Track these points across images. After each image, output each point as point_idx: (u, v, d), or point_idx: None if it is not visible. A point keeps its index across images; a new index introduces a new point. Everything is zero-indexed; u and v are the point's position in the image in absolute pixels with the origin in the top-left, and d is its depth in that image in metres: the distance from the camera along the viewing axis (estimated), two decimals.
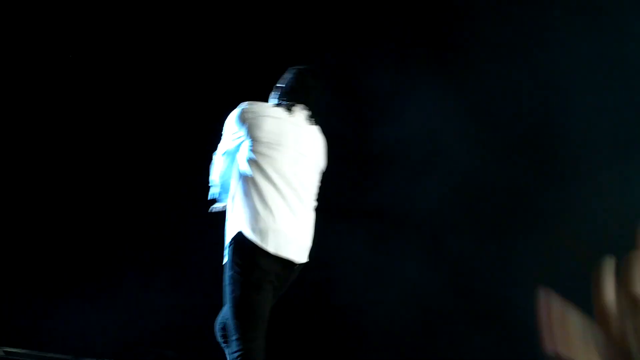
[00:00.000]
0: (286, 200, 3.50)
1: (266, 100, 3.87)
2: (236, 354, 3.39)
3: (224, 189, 3.76)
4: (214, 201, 3.98)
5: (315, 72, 3.84)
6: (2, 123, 7.32)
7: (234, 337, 3.43)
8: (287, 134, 3.59)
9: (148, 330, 6.95)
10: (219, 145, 3.76)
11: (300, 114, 3.69)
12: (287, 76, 3.78)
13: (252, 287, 3.43)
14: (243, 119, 3.57)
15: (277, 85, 3.80)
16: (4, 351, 7.08)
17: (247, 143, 3.55)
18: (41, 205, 7.50)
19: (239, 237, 3.45)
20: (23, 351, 7.22)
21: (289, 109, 3.65)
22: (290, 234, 3.50)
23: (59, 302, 7.24)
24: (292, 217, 3.52)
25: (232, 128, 3.64)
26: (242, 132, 3.57)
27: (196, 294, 6.66)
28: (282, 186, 3.49)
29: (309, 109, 3.72)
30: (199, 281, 6.70)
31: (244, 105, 3.63)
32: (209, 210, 3.98)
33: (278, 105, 3.68)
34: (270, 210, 3.44)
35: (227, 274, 3.47)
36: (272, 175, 3.48)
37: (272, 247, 3.42)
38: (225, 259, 3.53)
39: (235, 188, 3.56)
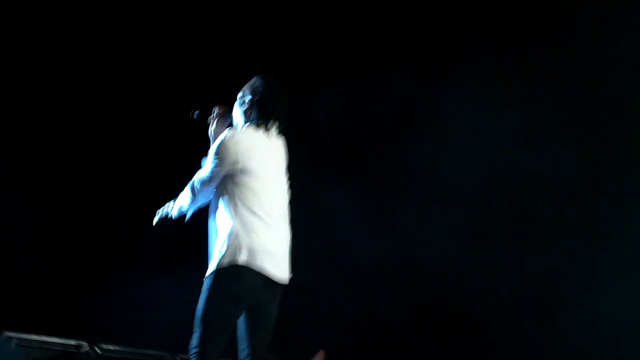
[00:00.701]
0: (269, 224, 3.68)
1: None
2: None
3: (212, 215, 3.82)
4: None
5: (281, 82, 3.89)
6: (2, 123, 7.35)
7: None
8: (270, 160, 3.75)
9: None
10: (202, 172, 3.77)
11: (272, 129, 3.80)
12: (257, 88, 3.80)
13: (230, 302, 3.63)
14: (235, 150, 3.64)
15: (246, 97, 3.83)
16: (101, 348, 7.31)
17: (235, 172, 3.65)
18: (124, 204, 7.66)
19: (226, 267, 3.60)
20: (118, 348, 7.48)
21: (267, 128, 3.74)
22: (276, 254, 3.69)
23: (153, 297, 7.44)
24: (277, 239, 3.72)
25: (220, 155, 3.66)
26: (229, 161, 3.64)
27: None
28: (266, 213, 3.68)
29: (279, 122, 3.81)
30: None
31: (232, 135, 3.67)
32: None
33: (258, 125, 3.75)
34: (256, 233, 3.62)
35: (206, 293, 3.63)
36: (256, 204, 3.66)
37: (256, 264, 3.58)
38: (206, 284, 3.65)
39: (222, 214, 3.69)
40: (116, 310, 7.58)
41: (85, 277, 7.69)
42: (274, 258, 3.65)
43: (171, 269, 7.37)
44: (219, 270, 3.58)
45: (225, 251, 3.59)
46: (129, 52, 7.77)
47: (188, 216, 3.85)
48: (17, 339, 6.87)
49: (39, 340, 7.18)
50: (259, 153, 3.67)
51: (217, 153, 3.63)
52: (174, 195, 4.06)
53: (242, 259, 3.56)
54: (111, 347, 7.40)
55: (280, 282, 3.71)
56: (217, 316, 3.53)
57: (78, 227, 7.64)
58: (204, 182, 3.72)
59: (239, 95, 3.86)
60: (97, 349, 7.28)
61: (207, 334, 3.50)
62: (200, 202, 3.81)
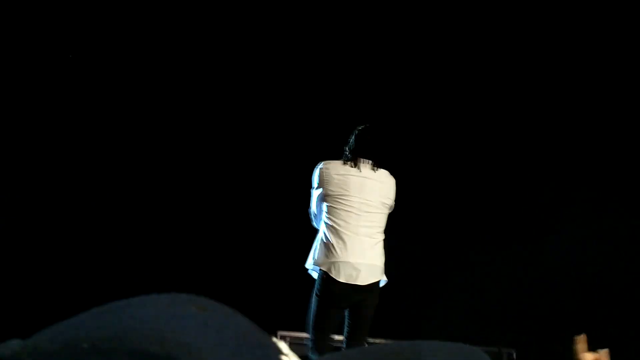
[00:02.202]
0: (350, 235, 4.53)
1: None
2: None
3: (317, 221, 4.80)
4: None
5: (371, 129, 4.78)
6: (3, 123, 7.60)
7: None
8: (351, 186, 4.59)
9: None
10: (311, 192, 4.78)
11: (365, 165, 4.64)
12: (351, 136, 4.74)
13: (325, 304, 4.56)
14: (319, 177, 4.65)
15: (347, 144, 4.77)
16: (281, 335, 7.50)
17: (323, 194, 4.61)
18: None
19: (315, 268, 4.60)
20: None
21: (354, 163, 4.64)
22: (356, 264, 4.52)
23: None
24: (358, 249, 4.53)
25: (313, 182, 4.69)
26: (319, 186, 4.63)
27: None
28: (346, 229, 4.53)
29: (371, 159, 4.65)
30: None
31: (320, 165, 4.69)
32: None
33: (345, 162, 4.67)
34: (336, 247, 4.51)
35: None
36: (338, 221, 4.56)
37: (340, 276, 4.48)
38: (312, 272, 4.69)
39: (319, 225, 4.69)
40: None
41: None
42: (352, 267, 4.52)
43: None
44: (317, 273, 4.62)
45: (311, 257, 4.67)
46: (128, 53, 8.06)
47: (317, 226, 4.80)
48: (290, 337, 7.25)
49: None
50: (338, 179, 4.60)
51: (312, 178, 4.74)
52: None
53: (322, 268, 4.52)
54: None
55: (364, 286, 4.53)
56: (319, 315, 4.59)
57: None
58: (313, 196, 4.77)
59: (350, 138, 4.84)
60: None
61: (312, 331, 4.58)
62: (317, 217, 4.75)
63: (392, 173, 4.83)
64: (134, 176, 8.00)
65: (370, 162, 4.68)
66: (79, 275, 7.89)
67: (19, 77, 7.58)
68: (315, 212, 4.72)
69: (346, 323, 4.61)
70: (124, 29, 7.93)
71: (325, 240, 4.56)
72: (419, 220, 8.29)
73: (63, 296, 7.45)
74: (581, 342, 3.45)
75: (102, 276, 7.93)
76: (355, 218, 4.59)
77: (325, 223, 4.59)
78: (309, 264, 4.64)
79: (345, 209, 4.59)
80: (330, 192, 4.61)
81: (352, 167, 4.66)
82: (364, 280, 4.54)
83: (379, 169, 4.71)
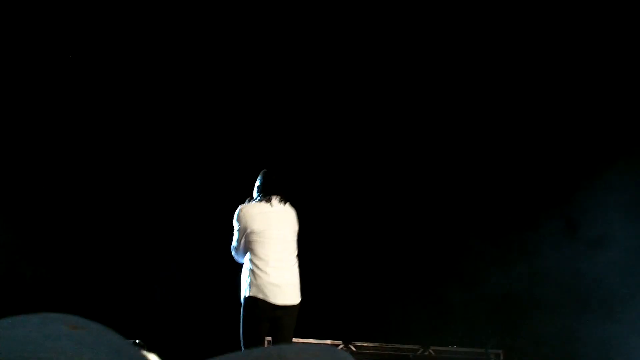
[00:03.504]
0: (269, 263, 5.28)
1: None
2: None
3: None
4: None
5: (275, 171, 5.57)
6: (4, 123, 7.56)
7: None
8: (270, 221, 5.37)
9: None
10: (234, 234, 5.51)
11: (275, 200, 5.45)
12: (260, 178, 5.52)
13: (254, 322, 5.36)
14: (240, 219, 5.42)
15: (256, 185, 5.54)
16: (355, 345, 7.80)
17: (246, 233, 5.36)
18: None
19: (244, 295, 5.35)
20: (371, 344, 7.98)
21: (268, 200, 5.44)
22: (282, 284, 5.29)
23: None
24: (282, 273, 5.30)
25: (236, 224, 5.46)
26: (242, 227, 5.39)
27: None
28: (270, 256, 5.31)
29: (278, 195, 5.46)
30: None
31: (240, 208, 5.45)
32: None
33: (260, 200, 5.48)
34: (266, 273, 5.25)
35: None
36: (261, 252, 5.31)
37: (268, 297, 5.23)
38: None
39: (245, 258, 5.42)
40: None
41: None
42: (278, 290, 5.27)
43: None
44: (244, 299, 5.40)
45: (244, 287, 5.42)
46: (128, 53, 8.01)
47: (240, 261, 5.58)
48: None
49: (297, 342, 7.02)
50: (260, 218, 5.37)
51: (234, 219, 5.50)
52: None
53: (253, 292, 5.25)
54: (366, 344, 7.96)
55: (282, 305, 5.30)
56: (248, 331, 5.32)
57: None
58: (234, 238, 5.54)
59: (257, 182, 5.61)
60: (352, 347, 7.87)
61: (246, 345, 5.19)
62: (240, 255, 5.54)
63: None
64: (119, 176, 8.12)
65: (278, 197, 5.49)
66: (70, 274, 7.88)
67: (19, 77, 7.54)
68: (240, 249, 5.46)
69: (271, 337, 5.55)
70: (124, 30, 7.90)
71: (254, 270, 5.28)
72: (411, 222, 8.38)
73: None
74: None
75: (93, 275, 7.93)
76: (278, 248, 5.36)
77: (253, 255, 5.33)
78: (245, 295, 5.36)
79: (267, 241, 5.33)
80: (254, 229, 5.34)
81: (266, 203, 5.48)
82: (290, 300, 5.36)
83: (286, 203, 5.54)
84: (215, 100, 8.50)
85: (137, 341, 6.18)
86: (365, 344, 7.62)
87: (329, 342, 7.56)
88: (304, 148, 8.62)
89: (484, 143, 8.55)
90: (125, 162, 8.11)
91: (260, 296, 5.21)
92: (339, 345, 7.35)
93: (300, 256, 8.55)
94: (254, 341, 5.20)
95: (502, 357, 7.83)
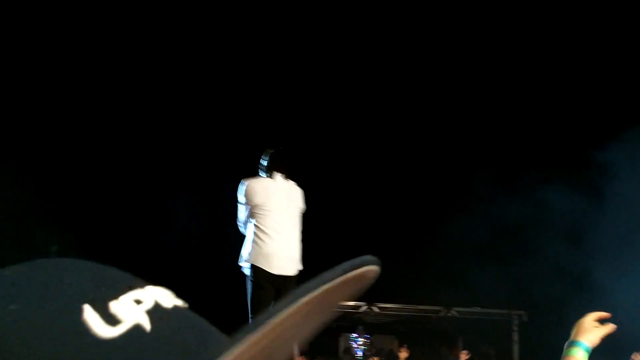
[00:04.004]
0: (277, 235, 5.45)
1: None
2: None
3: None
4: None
5: (281, 151, 5.71)
6: (5, 123, 7.68)
7: None
8: (272, 195, 5.53)
9: None
10: (238, 207, 5.62)
11: (278, 177, 5.57)
12: (265, 157, 5.63)
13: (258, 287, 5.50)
14: (245, 192, 5.48)
15: (261, 163, 5.66)
16: (378, 307, 7.91)
17: (249, 205, 5.48)
18: None
19: (247, 265, 5.44)
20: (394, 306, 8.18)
21: (271, 177, 5.59)
22: (281, 255, 5.44)
23: None
24: (281, 245, 5.47)
25: (240, 198, 5.53)
26: (246, 200, 5.50)
27: None
28: (273, 228, 5.46)
29: (282, 172, 5.59)
30: None
31: (244, 182, 5.53)
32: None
33: (265, 176, 5.61)
34: (265, 243, 5.43)
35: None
36: (265, 222, 5.46)
37: (268, 266, 5.34)
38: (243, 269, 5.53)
39: (248, 229, 5.58)
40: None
41: None
42: (279, 260, 5.42)
43: None
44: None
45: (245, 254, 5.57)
46: (128, 53, 8.29)
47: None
48: None
49: None
50: (262, 192, 5.51)
51: (238, 193, 5.60)
52: None
53: (254, 260, 5.39)
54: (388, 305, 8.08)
55: (287, 275, 5.48)
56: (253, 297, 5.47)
57: None
58: (239, 211, 5.66)
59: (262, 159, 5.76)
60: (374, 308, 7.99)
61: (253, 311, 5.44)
62: (243, 227, 5.70)
63: None
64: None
65: (282, 174, 5.64)
66: None
67: (19, 77, 7.39)
68: (244, 221, 5.65)
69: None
70: (124, 30, 7.88)
71: (255, 240, 5.50)
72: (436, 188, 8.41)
73: None
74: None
75: None
76: (279, 220, 5.58)
77: (255, 227, 5.51)
78: (243, 260, 5.51)
79: (269, 214, 5.55)
80: (257, 203, 5.52)
81: (270, 179, 5.67)
82: (288, 270, 5.53)
83: (289, 180, 5.72)
84: (210, 97, 8.72)
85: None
86: (388, 305, 7.71)
87: (352, 302, 7.74)
88: (310, 127, 8.83)
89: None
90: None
91: (261, 265, 5.41)
92: (362, 306, 7.49)
93: (325, 216, 8.76)
94: (260, 307, 5.39)
95: (525, 318, 7.89)
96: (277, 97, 8.85)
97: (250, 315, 5.50)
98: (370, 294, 7.91)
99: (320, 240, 8.03)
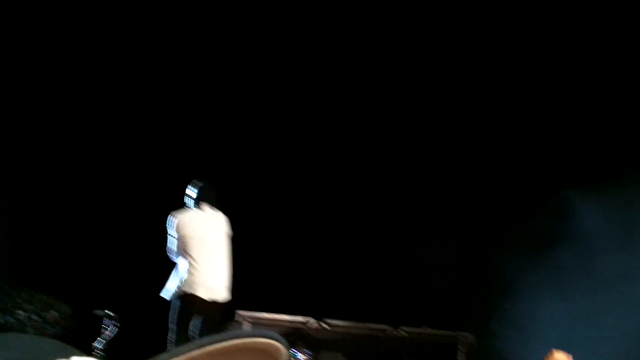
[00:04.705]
0: (207, 264, 5.87)
1: None
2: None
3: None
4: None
5: (208, 184, 6.24)
6: (5, 123, 7.73)
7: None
8: (202, 226, 5.98)
9: None
10: (169, 238, 6.04)
11: (206, 207, 6.09)
12: (193, 189, 6.13)
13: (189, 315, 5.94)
14: (175, 225, 5.96)
15: (189, 195, 6.15)
16: (326, 323, 7.85)
17: (181, 236, 5.94)
18: None
19: (179, 291, 5.93)
20: (343, 323, 8.12)
21: (200, 208, 6.08)
22: (212, 283, 5.91)
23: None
24: (213, 273, 5.91)
25: (171, 230, 5.98)
26: (177, 232, 5.94)
27: None
28: (204, 257, 5.87)
29: (210, 204, 6.10)
30: None
31: (175, 215, 6.00)
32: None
33: (193, 208, 6.12)
34: (199, 272, 5.83)
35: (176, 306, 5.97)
36: (196, 252, 5.87)
37: (202, 293, 5.81)
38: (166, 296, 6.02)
39: (180, 260, 6.00)
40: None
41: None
42: (211, 287, 5.90)
43: None
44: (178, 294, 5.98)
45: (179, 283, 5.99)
46: (128, 53, 8.29)
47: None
48: (250, 317, 7.87)
49: (268, 318, 7.91)
50: (194, 223, 5.99)
51: (169, 225, 6.03)
52: None
53: (188, 289, 5.87)
54: (338, 323, 8.04)
55: (218, 301, 5.97)
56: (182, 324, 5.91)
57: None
58: (170, 242, 6.08)
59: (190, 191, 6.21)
60: (324, 325, 7.94)
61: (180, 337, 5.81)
62: (175, 256, 6.07)
63: None
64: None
65: (209, 205, 6.11)
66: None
67: (19, 77, 7.67)
68: (176, 251, 6.01)
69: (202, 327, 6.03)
70: (124, 31, 8.06)
71: (189, 270, 5.87)
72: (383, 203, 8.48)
73: None
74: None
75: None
76: (210, 250, 5.96)
77: (187, 258, 5.90)
78: (173, 290, 5.96)
79: (201, 243, 5.93)
80: (189, 233, 5.92)
81: (199, 210, 6.12)
82: (219, 297, 5.97)
83: (217, 210, 6.15)
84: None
85: (107, 311, 6.28)
86: (336, 322, 7.73)
87: (300, 318, 7.79)
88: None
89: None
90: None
91: (194, 292, 5.82)
92: (309, 321, 7.50)
93: (276, 234, 8.77)
94: (186, 333, 5.85)
95: (471, 340, 7.92)
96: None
97: (175, 340, 5.86)
98: (319, 310, 8.18)
99: (266, 259, 8.13)
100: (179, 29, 8.28)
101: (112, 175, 8.39)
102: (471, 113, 8.72)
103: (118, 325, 6.16)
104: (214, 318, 6.03)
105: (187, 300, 5.84)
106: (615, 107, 8.34)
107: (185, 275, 5.88)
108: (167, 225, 6.05)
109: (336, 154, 8.84)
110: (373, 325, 8.00)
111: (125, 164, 8.45)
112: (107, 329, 6.12)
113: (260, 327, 7.64)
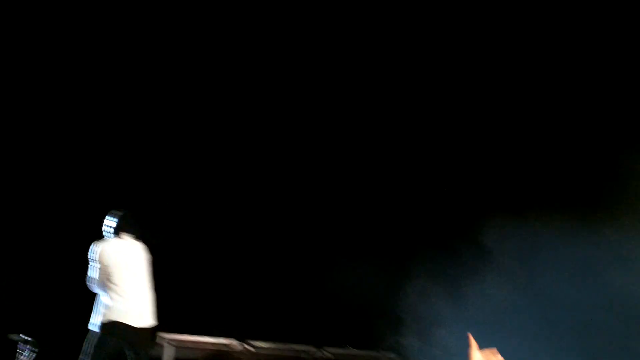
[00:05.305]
0: (127, 292, 6.01)
1: None
2: None
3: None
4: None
5: (127, 214, 6.36)
6: (5, 123, 7.89)
7: None
8: (121, 255, 6.16)
9: None
10: (90, 265, 6.14)
11: (126, 237, 6.28)
12: (112, 219, 6.29)
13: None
14: (98, 255, 6.09)
15: (108, 225, 6.29)
16: (249, 344, 7.81)
17: (104, 266, 6.08)
18: None
19: (103, 320, 5.96)
20: (266, 344, 8.08)
21: (120, 238, 6.26)
22: (135, 311, 6.01)
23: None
24: (135, 301, 6.05)
25: (93, 261, 6.10)
26: (100, 262, 6.08)
27: None
28: (125, 285, 6.03)
29: (129, 232, 6.31)
30: None
31: (97, 246, 6.14)
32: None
33: (113, 238, 6.26)
34: (122, 299, 5.97)
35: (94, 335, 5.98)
36: (119, 280, 6.03)
37: (127, 320, 5.91)
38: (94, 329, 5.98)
39: (100, 290, 6.11)
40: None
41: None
42: (136, 315, 6.00)
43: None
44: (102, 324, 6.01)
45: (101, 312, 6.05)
46: (128, 54, 8.39)
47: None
48: (171, 339, 7.76)
49: (191, 340, 7.84)
50: (111, 253, 6.13)
51: (90, 255, 6.16)
52: None
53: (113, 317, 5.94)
54: (262, 344, 8.02)
55: (141, 328, 6.07)
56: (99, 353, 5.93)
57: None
58: (93, 274, 6.15)
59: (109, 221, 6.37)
60: (247, 347, 7.95)
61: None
62: (96, 286, 6.16)
63: None
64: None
65: (128, 234, 6.31)
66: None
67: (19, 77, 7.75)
68: (97, 281, 6.10)
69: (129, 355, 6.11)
70: (123, 32, 8.06)
71: (112, 297, 5.98)
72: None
73: None
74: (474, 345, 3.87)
75: None
76: (131, 278, 6.11)
77: (110, 286, 6.01)
78: (97, 322, 5.96)
79: (124, 272, 6.08)
80: (111, 263, 6.07)
81: (119, 240, 6.27)
82: (143, 323, 6.08)
83: (135, 238, 6.35)
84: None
85: (22, 335, 6.28)
86: (260, 344, 7.73)
87: (224, 340, 7.76)
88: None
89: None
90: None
91: (120, 320, 5.92)
92: (232, 343, 7.48)
93: (199, 256, 8.75)
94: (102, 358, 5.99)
95: (394, 358, 8.00)
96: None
97: None
98: (242, 332, 8.21)
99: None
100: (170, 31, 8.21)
101: (30, 192, 8.22)
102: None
103: (35, 350, 6.15)
104: (144, 344, 6.16)
105: (110, 328, 5.95)
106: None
107: (110, 304, 5.98)
108: (88, 255, 6.18)
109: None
110: (297, 347, 8.03)
111: (40, 183, 8.30)
112: (22, 355, 6.09)
113: (184, 350, 7.77)
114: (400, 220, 8.87)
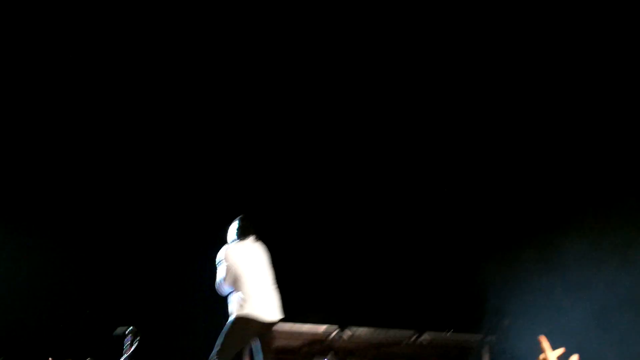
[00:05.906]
0: (256, 290, 6.63)
1: None
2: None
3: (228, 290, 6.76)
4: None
5: (247, 218, 7.02)
6: (5, 124, 8.08)
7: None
8: (248, 256, 6.81)
9: None
10: (218, 269, 6.74)
11: (249, 239, 6.95)
12: (236, 224, 6.98)
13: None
14: (227, 257, 6.72)
15: (233, 230, 6.96)
16: (351, 330, 7.88)
17: (232, 267, 6.68)
18: None
19: (237, 315, 6.55)
20: (367, 329, 8.07)
21: (245, 240, 6.92)
22: (264, 306, 6.61)
23: None
24: (262, 297, 6.66)
25: (222, 263, 6.72)
26: (228, 264, 6.69)
27: None
28: (253, 283, 6.65)
29: (253, 235, 6.97)
30: None
31: (225, 248, 6.77)
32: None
33: (239, 241, 6.93)
34: (251, 297, 6.58)
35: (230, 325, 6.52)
36: (247, 279, 6.65)
37: (255, 315, 6.48)
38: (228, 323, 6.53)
39: (233, 289, 6.69)
40: None
41: None
42: (266, 310, 6.59)
43: None
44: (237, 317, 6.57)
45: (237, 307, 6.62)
46: (129, 54, 8.58)
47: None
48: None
49: (289, 329, 7.83)
50: (240, 254, 6.76)
51: (219, 257, 6.79)
52: None
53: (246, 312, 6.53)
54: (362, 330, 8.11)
55: (272, 322, 6.66)
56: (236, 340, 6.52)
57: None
58: (219, 273, 6.77)
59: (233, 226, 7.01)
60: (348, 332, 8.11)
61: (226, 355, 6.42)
62: (226, 288, 6.76)
63: None
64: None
65: (252, 237, 6.95)
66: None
67: (19, 77, 7.88)
68: (226, 283, 6.67)
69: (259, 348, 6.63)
70: (124, 32, 8.19)
71: (243, 296, 6.55)
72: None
73: None
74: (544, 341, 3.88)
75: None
76: (259, 276, 6.73)
77: (240, 285, 6.59)
78: (231, 316, 6.51)
79: (252, 272, 6.69)
80: (239, 264, 6.67)
81: (244, 242, 6.91)
82: (274, 317, 6.67)
83: (258, 240, 6.97)
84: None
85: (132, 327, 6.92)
86: (361, 329, 7.80)
87: (323, 327, 8.02)
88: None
89: None
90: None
91: (252, 314, 6.48)
92: (334, 330, 7.56)
93: (302, 247, 9.00)
94: (234, 350, 6.51)
95: (494, 342, 7.94)
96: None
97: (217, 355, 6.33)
98: (343, 318, 8.39)
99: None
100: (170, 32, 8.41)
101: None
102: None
103: (137, 338, 6.85)
104: (271, 336, 6.76)
105: (242, 323, 6.50)
106: None
107: (242, 301, 6.57)
108: (216, 261, 6.78)
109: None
110: (396, 331, 8.06)
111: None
112: (128, 343, 6.86)
113: (280, 339, 7.79)
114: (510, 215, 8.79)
